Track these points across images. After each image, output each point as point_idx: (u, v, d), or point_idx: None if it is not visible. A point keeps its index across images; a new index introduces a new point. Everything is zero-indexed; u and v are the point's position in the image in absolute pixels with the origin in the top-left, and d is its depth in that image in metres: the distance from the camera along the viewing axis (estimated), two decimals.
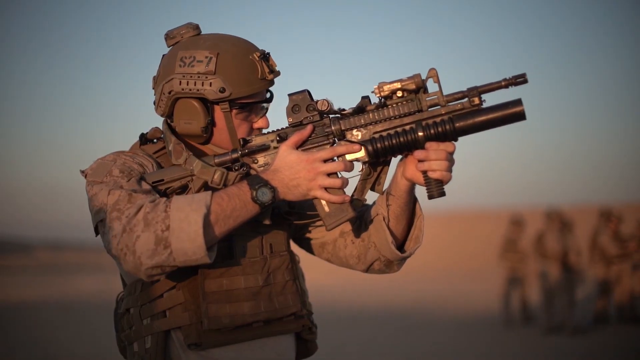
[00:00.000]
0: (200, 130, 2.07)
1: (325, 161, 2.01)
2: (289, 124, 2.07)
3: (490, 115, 1.98)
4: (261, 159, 2.07)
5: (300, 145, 2.04)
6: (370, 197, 2.14)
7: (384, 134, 2.03)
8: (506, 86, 1.96)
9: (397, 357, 9.37)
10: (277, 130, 2.09)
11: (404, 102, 2.02)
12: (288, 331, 2.14)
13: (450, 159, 2.02)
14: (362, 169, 2.08)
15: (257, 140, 2.08)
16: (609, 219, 11.94)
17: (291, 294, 2.13)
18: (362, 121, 2.04)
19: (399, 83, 1.99)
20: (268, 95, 2.16)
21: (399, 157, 2.09)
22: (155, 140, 2.19)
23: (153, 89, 2.16)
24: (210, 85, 2.04)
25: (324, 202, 2.03)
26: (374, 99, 2.05)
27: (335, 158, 2.03)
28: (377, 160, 2.06)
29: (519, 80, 1.95)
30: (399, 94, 2.01)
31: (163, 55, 2.15)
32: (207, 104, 2.08)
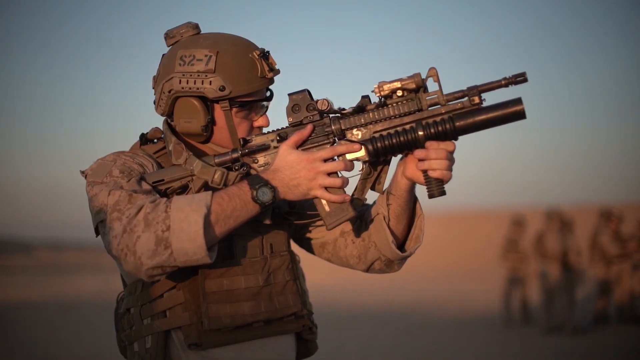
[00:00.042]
0: (201, 129, 2.07)
1: (325, 160, 2.00)
2: (289, 124, 2.07)
3: (491, 114, 1.98)
4: (261, 158, 2.07)
5: (301, 145, 2.04)
6: (371, 196, 2.14)
7: (384, 133, 2.03)
8: (506, 85, 1.96)
9: (397, 357, 9.37)
10: (277, 129, 2.09)
11: (404, 102, 2.02)
12: (288, 331, 2.14)
13: (450, 158, 2.02)
14: (362, 168, 2.08)
15: (257, 140, 2.08)
16: (610, 219, 11.94)
17: (291, 294, 2.13)
18: (362, 120, 2.04)
19: (399, 82, 1.99)
20: (268, 93, 2.16)
21: (399, 156, 2.09)
22: (155, 141, 2.19)
23: (153, 88, 2.16)
24: (210, 84, 2.04)
25: (324, 202, 2.03)
26: (374, 99, 2.05)
27: (336, 157, 2.03)
28: (377, 160, 2.06)
29: (519, 79, 1.95)
30: (399, 93, 2.00)
31: (163, 54, 2.15)
32: (207, 103, 2.08)
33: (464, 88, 2.00)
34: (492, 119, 1.98)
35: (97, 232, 2.03)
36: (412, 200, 2.16)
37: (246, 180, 1.98)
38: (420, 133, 2.00)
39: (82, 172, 2.07)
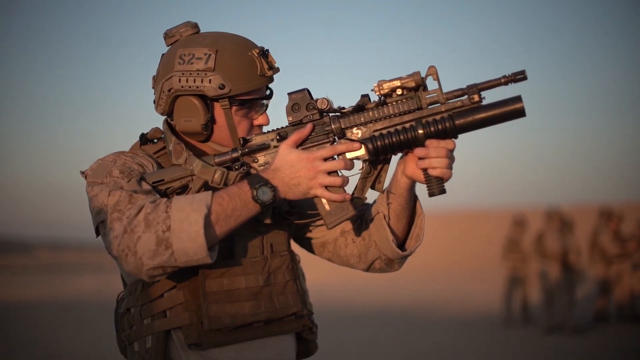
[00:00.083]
0: (201, 128, 2.07)
1: (325, 160, 2.00)
2: (289, 123, 2.06)
3: (490, 112, 1.98)
4: (261, 158, 2.07)
5: (301, 144, 2.04)
6: (371, 195, 2.14)
7: (384, 132, 2.02)
8: (506, 83, 1.96)
9: (397, 357, 9.37)
10: (277, 129, 2.09)
11: (404, 100, 2.01)
12: (289, 331, 2.14)
13: (450, 156, 2.01)
14: (363, 167, 2.08)
15: (257, 140, 2.08)
16: (610, 219, 11.94)
17: (292, 294, 2.13)
18: (362, 119, 2.03)
19: (398, 81, 1.99)
20: (268, 92, 2.16)
21: (399, 155, 2.09)
22: (155, 141, 2.19)
23: (153, 88, 2.15)
24: (210, 82, 2.04)
25: (324, 201, 2.03)
26: (374, 97, 2.05)
27: (336, 156, 2.03)
28: (377, 159, 2.06)
29: (519, 77, 1.95)
30: (399, 91, 2.00)
31: (162, 54, 2.15)
32: (207, 101, 2.07)
33: (464, 86, 1.99)
34: (492, 117, 1.98)
35: (97, 233, 2.03)
36: (413, 199, 2.16)
37: (246, 179, 1.98)
38: (420, 131, 1.99)
39: (82, 173, 2.07)
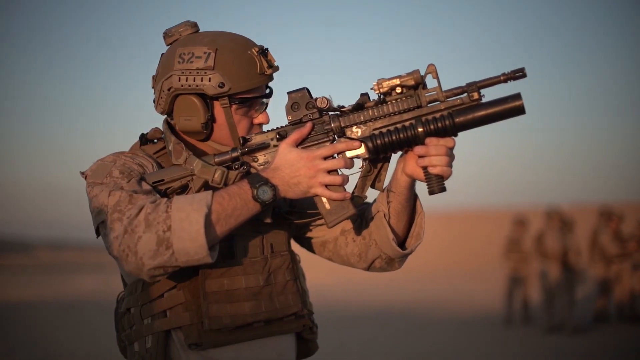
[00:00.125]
0: (201, 127, 2.07)
1: (325, 158, 2.00)
2: (289, 122, 2.06)
3: (490, 110, 1.98)
4: (261, 157, 2.07)
5: (300, 143, 2.04)
6: (371, 194, 2.13)
7: (384, 130, 2.02)
8: (505, 81, 1.96)
9: (397, 357, 9.37)
10: (277, 128, 2.09)
11: (403, 98, 2.01)
12: (289, 331, 2.14)
13: (450, 154, 2.01)
14: (362, 165, 2.08)
15: (256, 139, 2.08)
16: (610, 219, 11.94)
17: (292, 294, 2.13)
18: (362, 118, 2.03)
19: (397, 79, 1.99)
20: (267, 90, 2.15)
21: (399, 153, 2.09)
22: (155, 141, 2.19)
23: (152, 87, 2.15)
24: (210, 81, 2.04)
25: (324, 200, 2.03)
26: (373, 96, 2.05)
27: (335, 155, 2.03)
28: (377, 157, 2.06)
29: (518, 74, 1.95)
30: (398, 90, 2.00)
31: (162, 54, 2.15)
32: (207, 100, 2.07)
33: (463, 84, 1.99)
34: (491, 115, 1.98)
35: (97, 233, 2.03)
36: (413, 197, 2.15)
37: (246, 179, 1.98)
38: (420, 129, 1.99)
39: (82, 173, 2.07)
